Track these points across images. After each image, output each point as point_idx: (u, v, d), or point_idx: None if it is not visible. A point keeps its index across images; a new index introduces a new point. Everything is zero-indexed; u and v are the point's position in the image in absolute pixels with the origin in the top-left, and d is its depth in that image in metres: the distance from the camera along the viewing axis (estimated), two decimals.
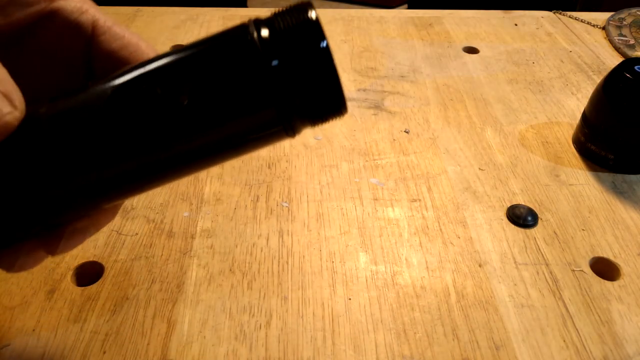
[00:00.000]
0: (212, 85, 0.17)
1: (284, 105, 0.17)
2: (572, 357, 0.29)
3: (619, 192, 0.40)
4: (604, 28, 0.66)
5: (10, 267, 0.22)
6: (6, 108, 0.18)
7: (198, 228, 0.36)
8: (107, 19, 0.23)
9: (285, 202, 0.39)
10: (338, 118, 0.19)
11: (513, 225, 0.37)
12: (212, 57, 0.17)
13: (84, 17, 0.22)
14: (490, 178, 0.41)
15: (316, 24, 0.17)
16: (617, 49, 0.61)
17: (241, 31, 0.18)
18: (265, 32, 0.17)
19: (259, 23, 0.18)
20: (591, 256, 0.35)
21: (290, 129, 0.18)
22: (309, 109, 0.18)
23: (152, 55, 0.21)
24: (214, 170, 0.41)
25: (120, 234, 0.36)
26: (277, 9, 0.18)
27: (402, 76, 0.54)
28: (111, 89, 0.18)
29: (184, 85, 0.17)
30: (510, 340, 0.30)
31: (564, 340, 0.30)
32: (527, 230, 0.37)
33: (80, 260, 0.33)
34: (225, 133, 0.18)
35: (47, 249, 0.22)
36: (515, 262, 0.34)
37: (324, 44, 0.18)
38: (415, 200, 0.39)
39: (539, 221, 0.38)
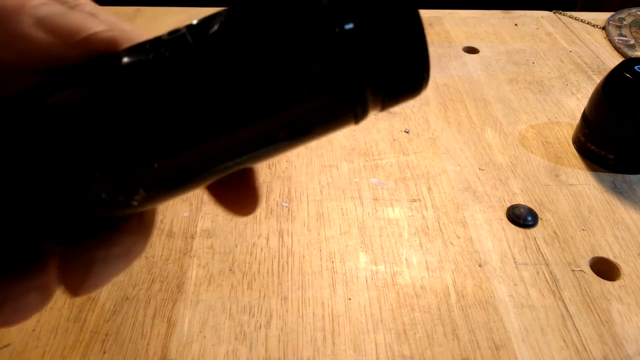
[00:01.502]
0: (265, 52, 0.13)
1: (357, 81, 0.14)
2: (572, 357, 0.29)
3: (619, 192, 0.40)
4: (604, 28, 0.66)
5: None
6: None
7: (198, 228, 0.36)
8: None
9: (285, 202, 0.39)
10: (415, 97, 0.16)
11: (513, 225, 0.37)
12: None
13: None
14: (490, 178, 0.41)
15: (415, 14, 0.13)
16: (617, 49, 0.61)
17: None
18: None
19: None
20: (591, 256, 0.35)
21: (361, 112, 0.15)
22: (387, 84, 0.14)
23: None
24: None
25: None
26: None
27: None
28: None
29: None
30: (510, 340, 0.30)
31: (564, 340, 0.30)
32: (527, 230, 0.37)
33: None
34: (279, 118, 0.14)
35: (69, 284, 0.15)
36: (515, 262, 0.34)
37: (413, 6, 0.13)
38: (415, 200, 0.39)
39: (539, 221, 0.38)
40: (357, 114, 0.15)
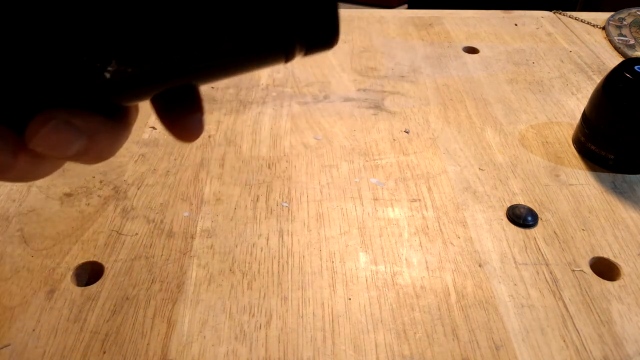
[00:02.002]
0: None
1: (289, 27, 0.20)
2: (572, 357, 0.29)
3: (619, 192, 0.40)
4: (604, 28, 0.66)
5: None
6: None
7: (198, 228, 0.36)
8: None
9: (285, 202, 0.39)
10: (327, 49, 0.22)
11: (513, 225, 0.37)
12: None
13: None
14: (490, 178, 0.41)
15: None
16: (617, 49, 0.61)
17: None
18: None
19: None
20: (591, 256, 0.35)
21: (290, 52, 0.21)
22: (308, 35, 0.21)
23: None
24: (214, 170, 0.41)
25: (120, 234, 0.36)
26: None
27: (402, 76, 0.54)
28: None
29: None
30: (510, 340, 0.30)
31: (564, 340, 0.30)
32: (527, 230, 0.37)
33: (80, 260, 0.33)
34: (233, 47, 0.20)
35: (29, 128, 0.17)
36: (515, 262, 0.34)
37: None
38: (415, 200, 0.39)
39: (539, 221, 0.38)
40: (287, 56, 0.21)
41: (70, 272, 0.33)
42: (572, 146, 0.45)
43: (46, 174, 0.19)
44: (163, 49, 0.19)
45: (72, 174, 0.40)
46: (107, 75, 0.18)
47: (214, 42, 0.19)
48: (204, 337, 0.29)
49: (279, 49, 0.21)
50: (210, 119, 0.47)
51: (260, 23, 0.20)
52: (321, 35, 0.21)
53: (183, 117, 0.22)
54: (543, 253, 0.35)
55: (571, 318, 0.31)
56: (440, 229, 0.37)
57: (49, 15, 0.17)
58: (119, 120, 0.20)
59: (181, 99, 0.22)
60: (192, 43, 0.19)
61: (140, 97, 0.21)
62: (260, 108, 0.49)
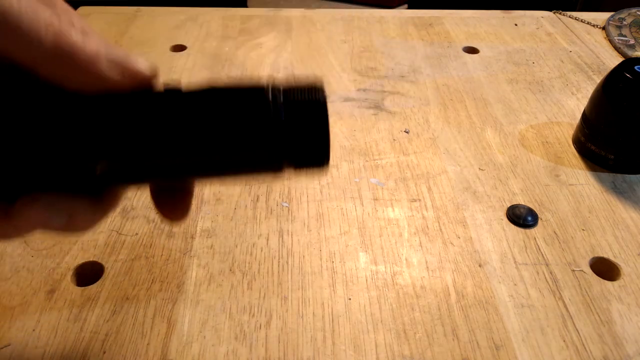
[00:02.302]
0: (232, 124, 0.21)
1: (281, 148, 0.21)
2: (572, 357, 0.29)
3: (619, 192, 0.40)
4: (604, 28, 0.66)
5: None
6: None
7: (198, 228, 0.36)
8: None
9: (285, 202, 0.39)
10: (319, 170, 0.23)
11: (513, 225, 0.37)
12: (236, 104, 0.21)
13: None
14: (490, 178, 0.41)
15: (324, 105, 0.21)
16: (617, 49, 0.61)
17: (260, 95, 0.21)
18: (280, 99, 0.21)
19: (275, 90, 0.21)
20: (591, 256, 0.35)
21: (279, 168, 0.22)
22: (300, 157, 0.22)
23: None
24: None
25: (120, 234, 0.36)
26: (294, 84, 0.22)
27: (402, 76, 0.54)
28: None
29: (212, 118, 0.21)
30: (510, 340, 0.30)
31: (564, 340, 0.30)
32: (527, 230, 0.37)
33: (80, 260, 0.33)
34: (232, 158, 0.21)
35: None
36: (515, 262, 0.34)
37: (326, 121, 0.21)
38: (415, 200, 0.39)
39: (539, 221, 0.38)
40: (276, 172, 0.22)
41: (70, 272, 0.33)
42: (572, 146, 0.45)
43: (26, 235, 0.21)
44: (151, 156, 0.20)
45: None
46: (97, 171, 0.20)
47: (196, 157, 0.21)
48: (204, 337, 0.29)
49: (267, 169, 0.22)
50: None
51: (249, 147, 0.21)
52: (311, 159, 0.22)
53: (171, 200, 0.23)
54: (543, 253, 0.35)
55: (571, 318, 0.31)
56: (440, 229, 0.37)
57: (50, 124, 0.19)
58: (103, 201, 0.21)
59: (171, 186, 0.24)
60: (180, 155, 0.20)
61: (128, 188, 0.23)
62: None
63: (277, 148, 0.21)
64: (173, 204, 0.23)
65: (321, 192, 0.40)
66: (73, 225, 0.20)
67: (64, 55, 0.18)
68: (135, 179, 0.22)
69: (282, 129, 0.21)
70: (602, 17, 0.68)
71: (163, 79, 0.21)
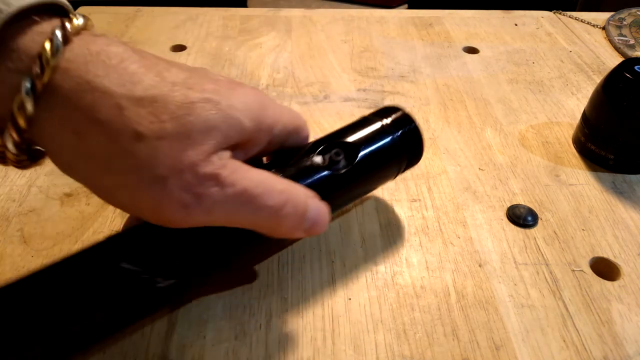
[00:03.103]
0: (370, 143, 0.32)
1: (402, 155, 0.34)
2: (572, 357, 0.29)
3: (619, 192, 0.40)
4: (604, 28, 0.66)
5: None
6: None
7: None
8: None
9: None
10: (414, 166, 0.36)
11: (513, 225, 0.37)
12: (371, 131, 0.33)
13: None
14: (490, 178, 0.41)
15: (417, 128, 0.34)
16: (617, 49, 0.61)
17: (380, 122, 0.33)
18: (388, 121, 0.34)
19: (386, 118, 0.34)
20: (591, 256, 0.35)
21: (400, 171, 0.35)
22: (409, 160, 0.34)
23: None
24: None
25: None
26: (395, 112, 0.35)
27: (402, 76, 0.54)
28: None
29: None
30: (510, 340, 0.30)
31: (564, 340, 0.30)
32: (527, 230, 0.37)
33: None
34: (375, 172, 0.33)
35: None
36: (515, 262, 0.34)
37: (420, 137, 0.34)
38: (415, 200, 0.39)
39: (539, 221, 0.38)
40: (397, 173, 0.35)
41: None
42: (572, 146, 0.45)
43: None
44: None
45: None
46: (161, 285, 0.25)
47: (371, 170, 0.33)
48: (204, 337, 0.29)
49: (394, 174, 0.35)
50: None
51: (392, 161, 0.33)
52: (415, 160, 0.35)
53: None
54: (543, 253, 0.35)
55: (571, 318, 0.31)
56: (440, 229, 0.37)
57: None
58: None
59: None
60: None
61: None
62: None
63: (401, 159, 0.33)
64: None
65: None
66: None
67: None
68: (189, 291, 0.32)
69: (402, 149, 0.33)
70: (602, 17, 0.68)
71: None
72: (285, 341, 0.29)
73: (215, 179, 0.22)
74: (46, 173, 0.40)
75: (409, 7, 1.94)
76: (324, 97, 0.51)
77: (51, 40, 0.21)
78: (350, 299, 0.32)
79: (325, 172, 0.29)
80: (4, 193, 0.38)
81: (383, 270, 0.34)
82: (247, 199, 0.24)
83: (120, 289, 0.24)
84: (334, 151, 0.30)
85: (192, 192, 0.22)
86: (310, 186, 0.29)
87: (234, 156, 0.24)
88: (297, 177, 0.29)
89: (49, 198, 0.38)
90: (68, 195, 0.38)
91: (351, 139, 0.31)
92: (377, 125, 0.32)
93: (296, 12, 0.68)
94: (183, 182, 0.22)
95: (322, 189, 0.29)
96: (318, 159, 0.30)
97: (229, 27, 0.63)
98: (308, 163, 0.29)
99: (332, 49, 0.59)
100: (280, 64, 0.56)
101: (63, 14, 0.23)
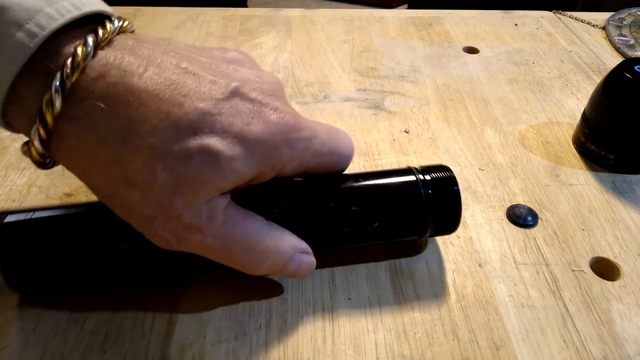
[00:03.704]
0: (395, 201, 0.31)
1: (428, 218, 0.31)
2: (572, 357, 0.29)
3: (619, 192, 0.40)
4: (604, 28, 0.66)
5: None
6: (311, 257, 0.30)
7: None
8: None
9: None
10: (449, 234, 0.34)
11: (513, 225, 0.37)
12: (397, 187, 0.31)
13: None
14: (490, 178, 0.41)
15: (458, 193, 0.31)
16: (617, 49, 0.61)
17: (413, 181, 0.32)
18: (426, 177, 0.32)
19: (423, 177, 0.32)
20: (591, 256, 0.35)
21: (423, 234, 0.32)
22: (440, 225, 0.32)
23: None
24: None
25: None
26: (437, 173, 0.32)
27: (402, 76, 0.54)
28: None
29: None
30: (510, 340, 0.30)
31: (564, 340, 0.30)
32: (527, 230, 0.37)
33: None
34: (393, 229, 0.31)
35: None
36: (515, 262, 0.34)
37: (459, 200, 0.31)
38: None
39: (539, 221, 0.38)
40: (421, 236, 0.32)
41: None
42: (572, 146, 0.45)
43: None
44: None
45: (73, 174, 0.40)
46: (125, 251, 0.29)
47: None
48: (204, 337, 0.29)
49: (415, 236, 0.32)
50: None
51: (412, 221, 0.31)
52: (449, 228, 0.33)
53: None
54: (543, 253, 0.35)
55: (571, 318, 0.31)
56: None
57: None
58: None
59: None
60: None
61: None
62: None
63: (426, 224, 0.31)
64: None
65: None
66: None
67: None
68: None
69: (430, 211, 0.31)
70: (602, 17, 0.68)
71: None
72: (285, 341, 0.29)
73: (198, 230, 0.24)
74: (46, 173, 0.40)
75: (409, 7, 1.94)
76: (324, 97, 0.51)
77: (83, 45, 0.23)
78: (350, 299, 0.32)
79: (335, 229, 0.29)
80: (4, 193, 0.38)
81: (383, 270, 0.34)
82: (225, 254, 0.26)
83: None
84: (352, 209, 0.29)
85: (175, 235, 0.24)
86: (314, 236, 0.29)
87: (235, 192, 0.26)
88: (302, 225, 0.29)
89: (49, 198, 0.38)
90: (68, 195, 0.38)
91: (374, 198, 0.30)
92: (411, 182, 0.31)
93: (296, 12, 0.68)
94: (168, 226, 0.24)
95: (327, 242, 0.30)
96: (332, 213, 0.29)
97: (229, 27, 0.63)
98: (320, 214, 0.29)
99: (332, 49, 0.59)
100: (280, 64, 0.56)
101: (103, 19, 0.25)
